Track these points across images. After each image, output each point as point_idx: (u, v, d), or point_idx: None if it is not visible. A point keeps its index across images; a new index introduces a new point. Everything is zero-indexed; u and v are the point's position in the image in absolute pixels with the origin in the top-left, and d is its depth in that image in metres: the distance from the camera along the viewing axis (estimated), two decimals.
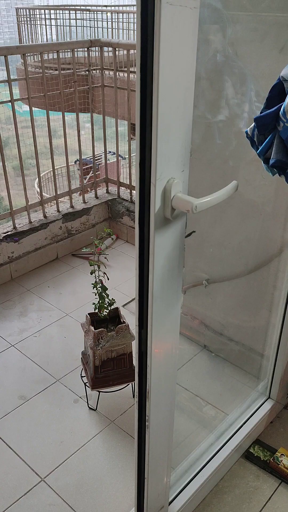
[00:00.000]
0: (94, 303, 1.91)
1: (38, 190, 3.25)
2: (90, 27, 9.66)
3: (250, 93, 1.51)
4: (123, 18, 9.49)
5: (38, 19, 9.84)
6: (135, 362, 1.09)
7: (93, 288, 1.87)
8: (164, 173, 0.85)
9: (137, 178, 0.85)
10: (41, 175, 3.00)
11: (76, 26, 9.86)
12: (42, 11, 9.95)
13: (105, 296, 1.89)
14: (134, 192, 3.26)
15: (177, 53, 0.76)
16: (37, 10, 10.02)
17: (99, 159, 5.72)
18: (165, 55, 0.73)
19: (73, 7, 10.81)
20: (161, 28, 0.71)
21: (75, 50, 3.01)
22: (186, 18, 0.75)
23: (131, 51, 2.94)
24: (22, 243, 2.86)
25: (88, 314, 1.93)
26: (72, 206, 3.21)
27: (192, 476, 1.57)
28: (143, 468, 1.24)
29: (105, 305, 1.90)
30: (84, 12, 9.98)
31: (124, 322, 1.87)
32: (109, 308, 1.92)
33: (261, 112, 0.93)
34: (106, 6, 12.46)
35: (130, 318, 1.95)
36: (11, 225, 2.89)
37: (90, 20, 9.65)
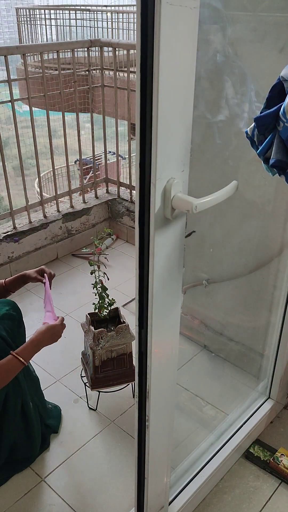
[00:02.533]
0: (94, 303, 1.91)
1: (38, 190, 3.25)
2: (90, 27, 9.66)
3: (250, 93, 1.51)
4: (123, 18, 9.49)
5: (38, 19, 9.84)
6: (135, 362, 1.09)
7: (93, 288, 1.87)
8: (164, 173, 0.85)
9: (137, 178, 0.85)
10: (41, 175, 3.01)
11: (76, 26, 9.86)
12: (42, 11, 9.95)
13: (105, 296, 1.89)
14: (134, 192, 3.26)
15: (177, 53, 0.76)
16: (37, 10, 10.02)
17: (99, 159, 5.72)
18: (165, 55, 0.73)
19: (73, 7, 10.81)
20: (161, 28, 0.71)
21: (75, 50, 3.00)
22: (186, 18, 0.75)
23: (131, 51, 2.94)
24: (22, 243, 2.86)
25: (88, 314, 1.93)
26: (72, 206, 3.21)
27: (192, 476, 1.57)
28: (143, 468, 1.24)
29: (105, 305, 1.90)
30: (84, 12, 9.98)
31: (124, 322, 1.87)
32: (109, 308, 1.92)
33: (261, 112, 0.93)
34: (106, 6, 12.47)
35: (130, 318, 1.95)
36: (11, 225, 2.89)
37: (90, 20, 9.65)
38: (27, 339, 1.63)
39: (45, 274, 1.77)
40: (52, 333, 1.59)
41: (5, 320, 1.65)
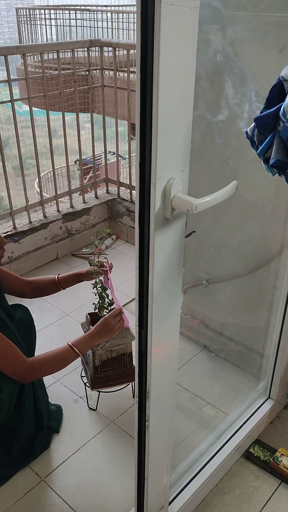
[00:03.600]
0: (94, 303, 1.91)
1: (38, 190, 3.25)
2: (90, 27, 9.66)
3: (250, 93, 1.51)
4: (123, 18, 9.49)
5: (38, 19, 9.84)
6: (135, 362, 1.09)
7: (93, 288, 1.87)
8: (164, 173, 0.85)
9: (137, 178, 0.85)
10: (41, 175, 3.01)
11: (76, 26, 9.86)
12: (42, 11, 9.95)
13: (105, 296, 1.89)
14: (134, 192, 3.26)
15: (177, 53, 0.76)
16: (37, 10, 10.03)
17: (99, 159, 5.72)
18: (165, 55, 0.73)
19: (73, 7, 10.81)
20: (161, 28, 0.71)
21: (75, 50, 3.01)
22: (186, 18, 0.75)
23: (131, 51, 2.94)
24: (22, 243, 2.86)
25: (88, 314, 1.93)
26: (72, 206, 3.21)
27: (192, 476, 1.57)
28: (143, 468, 1.24)
29: (105, 305, 1.90)
30: (84, 12, 9.98)
31: None
32: (109, 308, 1.92)
33: (261, 112, 0.93)
34: (106, 6, 12.47)
35: (130, 318, 1.95)
36: (11, 225, 2.89)
37: (90, 20, 9.65)
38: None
39: (106, 267, 1.77)
40: (108, 328, 1.60)
41: (19, 324, 1.70)
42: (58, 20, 9.89)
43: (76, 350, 1.54)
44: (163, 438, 1.25)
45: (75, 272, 1.84)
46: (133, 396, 2.01)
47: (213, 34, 1.47)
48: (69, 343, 1.54)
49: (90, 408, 1.98)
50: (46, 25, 9.77)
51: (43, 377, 1.84)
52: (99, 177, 3.66)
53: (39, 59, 2.82)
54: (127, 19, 9.47)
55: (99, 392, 1.95)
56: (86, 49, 3.04)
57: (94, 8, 10.47)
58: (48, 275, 1.91)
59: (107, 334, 1.61)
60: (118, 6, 12.40)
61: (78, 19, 9.84)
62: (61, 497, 1.64)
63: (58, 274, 1.81)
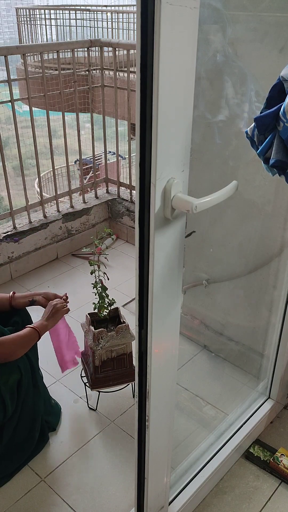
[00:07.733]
0: (94, 303, 1.91)
1: (38, 190, 3.25)
2: (90, 27, 9.66)
3: (250, 93, 1.51)
4: (123, 18, 9.49)
5: (38, 19, 9.84)
6: (135, 362, 1.09)
7: (93, 288, 1.87)
8: (164, 173, 0.85)
9: (137, 178, 0.85)
10: (41, 175, 3.01)
11: (76, 26, 9.86)
12: (42, 11, 9.95)
13: (105, 296, 1.89)
14: (134, 192, 3.26)
15: (177, 53, 0.76)
16: (37, 10, 10.02)
17: (99, 159, 5.72)
18: (165, 55, 0.73)
19: (73, 7, 10.80)
20: (161, 28, 0.71)
21: (75, 50, 3.01)
22: (186, 18, 0.75)
23: (131, 51, 2.94)
24: (22, 243, 2.86)
25: (88, 314, 1.93)
26: (72, 206, 3.21)
27: (192, 476, 1.57)
28: (143, 468, 1.24)
29: (105, 305, 1.90)
30: (84, 12, 9.98)
31: (124, 322, 1.87)
32: (109, 308, 1.92)
33: (261, 112, 0.94)
34: (106, 6, 12.47)
35: (130, 318, 1.95)
36: (11, 225, 2.89)
37: (90, 20, 9.65)
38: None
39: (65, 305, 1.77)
40: (55, 317, 1.71)
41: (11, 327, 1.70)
42: (58, 20, 9.89)
43: (39, 331, 1.61)
44: (163, 438, 1.25)
45: (30, 293, 1.79)
46: (133, 396, 2.01)
47: (213, 34, 1.47)
48: (31, 326, 1.62)
49: (90, 408, 1.98)
50: (46, 25, 9.76)
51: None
52: (99, 177, 3.66)
53: (39, 59, 2.82)
54: (127, 19, 9.46)
55: (99, 392, 1.95)
56: (86, 49, 3.04)
57: (94, 8, 10.46)
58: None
59: (56, 321, 1.72)
60: (118, 6, 12.40)
61: (78, 19, 9.84)
62: (61, 497, 1.64)
63: (14, 292, 1.78)
